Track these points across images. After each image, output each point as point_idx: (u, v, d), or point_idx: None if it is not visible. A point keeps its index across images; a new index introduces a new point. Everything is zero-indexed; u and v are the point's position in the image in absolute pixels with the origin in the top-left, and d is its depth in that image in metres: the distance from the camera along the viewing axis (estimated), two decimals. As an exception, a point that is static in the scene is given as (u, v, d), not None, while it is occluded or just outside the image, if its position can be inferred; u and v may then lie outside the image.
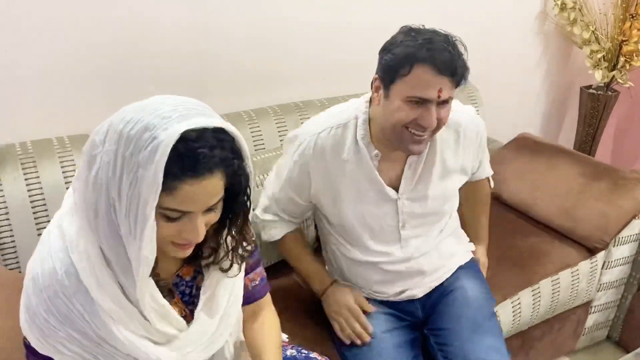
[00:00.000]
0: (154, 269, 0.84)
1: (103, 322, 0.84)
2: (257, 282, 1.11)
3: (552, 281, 1.71)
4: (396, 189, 1.32)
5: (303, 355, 1.20)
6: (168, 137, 0.75)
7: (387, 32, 1.23)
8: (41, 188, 1.42)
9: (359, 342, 1.28)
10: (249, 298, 1.09)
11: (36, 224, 1.41)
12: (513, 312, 1.63)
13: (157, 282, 0.89)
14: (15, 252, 1.42)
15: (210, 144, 0.78)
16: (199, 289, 0.98)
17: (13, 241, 1.41)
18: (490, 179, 1.60)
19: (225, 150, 0.80)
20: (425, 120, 1.16)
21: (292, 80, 1.93)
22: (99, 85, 1.61)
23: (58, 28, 1.51)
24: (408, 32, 1.18)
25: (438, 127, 1.20)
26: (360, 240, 1.36)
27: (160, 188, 0.76)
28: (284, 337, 1.30)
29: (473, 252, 1.53)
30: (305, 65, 1.95)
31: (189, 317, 0.97)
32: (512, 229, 1.88)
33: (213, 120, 0.79)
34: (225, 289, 0.98)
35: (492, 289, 1.56)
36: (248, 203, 0.91)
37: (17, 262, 1.43)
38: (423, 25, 1.20)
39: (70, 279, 0.83)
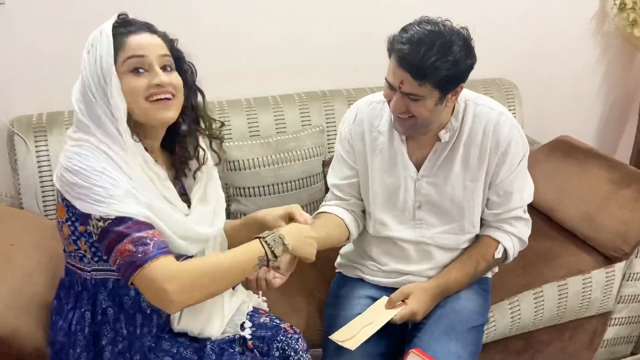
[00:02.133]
0: None
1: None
2: None
3: (558, 286, 1.67)
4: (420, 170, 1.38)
5: (274, 323, 1.30)
6: (109, 21, 1.09)
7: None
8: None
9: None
10: None
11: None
12: (511, 313, 1.62)
13: None
14: (55, 205, 1.64)
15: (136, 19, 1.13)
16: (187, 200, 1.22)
17: (53, 196, 1.64)
18: (507, 250, 1.42)
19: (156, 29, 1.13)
20: (391, 103, 1.26)
21: (322, 69, 2.02)
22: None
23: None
24: (413, 23, 1.24)
25: (415, 119, 1.26)
26: (380, 214, 1.42)
27: (112, 46, 1.05)
28: (264, 306, 1.41)
29: (409, 289, 1.35)
30: (338, 55, 2.02)
31: None
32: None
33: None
34: (211, 188, 1.24)
35: (493, 287, 1.57)
36: (199, 94, 1.20)
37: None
38: (440, 18, 1.25)
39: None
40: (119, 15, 1.11)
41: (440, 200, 1.38)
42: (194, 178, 1.23)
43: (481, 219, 1.43)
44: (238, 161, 1.68)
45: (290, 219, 1.26)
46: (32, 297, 1.26)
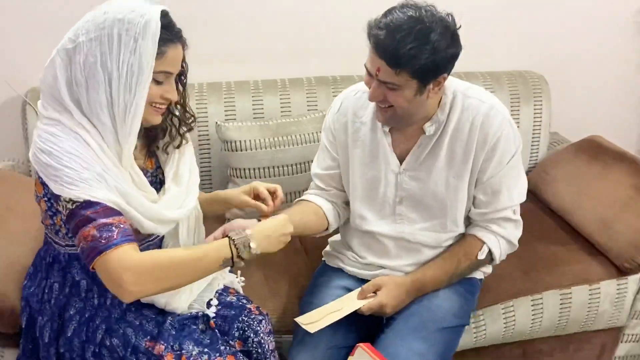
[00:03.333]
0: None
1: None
2: None
3: (561, 294, 1.56)
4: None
5: (240, 303, 1.29)
6: (155, 14, 1.03)
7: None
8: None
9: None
10: None
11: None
12: (505, 318, 1.53)
13: None
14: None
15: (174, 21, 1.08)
16: (159, 177, 1.24)
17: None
18: (493, 252, 1.34)
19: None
20: (369, 92, 1.20)
21: (336, 53, 1.97)
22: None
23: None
24: (395, 7, 1.17)
25: (394, 109, 1.20)
26: (360, 208, 1.38)
27: (156, 52, 1.02)
28: (237, 285, 1.39)
29: (379, 283, 1.30)
30: (349, 39, 1.96)
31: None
32: (539, 233, 1.74)
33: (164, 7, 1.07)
34: (184, 165, 1.22)
35: (486, 289, 1.50)
36: (184, 82, 1.16)
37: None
38: (425, 2, 1.16)
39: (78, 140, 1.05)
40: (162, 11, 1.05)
41: (422, 195, 1.32)
42: (167, 153, 1.23)
43: (468, 218, 1.36)
44: (235, 142, 1.68)
45: (255, 195, 1.27)
46: (13, 261, 1.32)
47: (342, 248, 1.47)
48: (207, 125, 1.76)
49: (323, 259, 1.54)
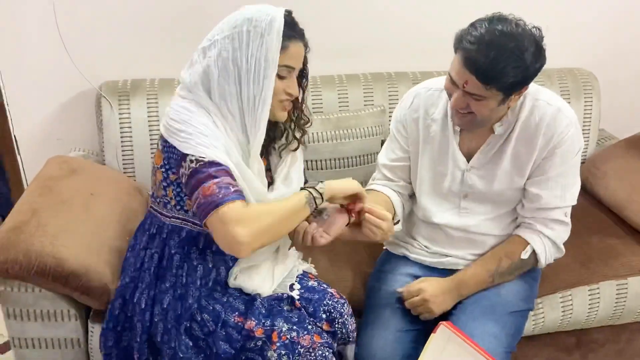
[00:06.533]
0: None
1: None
2: None
3: (617, 285, 1.60)
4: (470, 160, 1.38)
5: (322, 287, 1.36)
6: (279, 12, 1.15)
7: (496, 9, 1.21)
8: (157, 115, 1.77)
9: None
10: None
11: (150, 143, 1.77)
12: (563, 307, 1.58)
13: None
14: (132, 164, 1.79)
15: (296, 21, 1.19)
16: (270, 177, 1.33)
17: (132, 155, 1.79)
18: (537, 253, 1.36)
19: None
20: (452, 99, 1.24)
21: (390, 51, 2.03)
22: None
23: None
24: (484, 19, 1.18)
25: (474, 115, 1.24)
26: (426, 201, 1.44)
27: (280, 45, 1.13)
28: (313, 270, 1.47)
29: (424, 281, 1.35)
30: (406, 37, 2.03)
31: None
32: (594, 227, 1.79)
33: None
34: (295, 171, 1.32)
35: (545, 279, 1.55)
36: (305, 85, 1.28)
37: (133, 172, 1.80)
38: (513, 16, 1.18)
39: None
40: (286, 11, 1.17)
41: (486, 192, 1.37)
42: (280, 156, 1.32)
43: (518, 216, 1.40)
44: (299, 134, 1.74)
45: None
46: (103, 242, 1.41)
47: (407, 237, 1.53)
48: (269, 119, 1.84)
49: (385, 247, 1.60)
